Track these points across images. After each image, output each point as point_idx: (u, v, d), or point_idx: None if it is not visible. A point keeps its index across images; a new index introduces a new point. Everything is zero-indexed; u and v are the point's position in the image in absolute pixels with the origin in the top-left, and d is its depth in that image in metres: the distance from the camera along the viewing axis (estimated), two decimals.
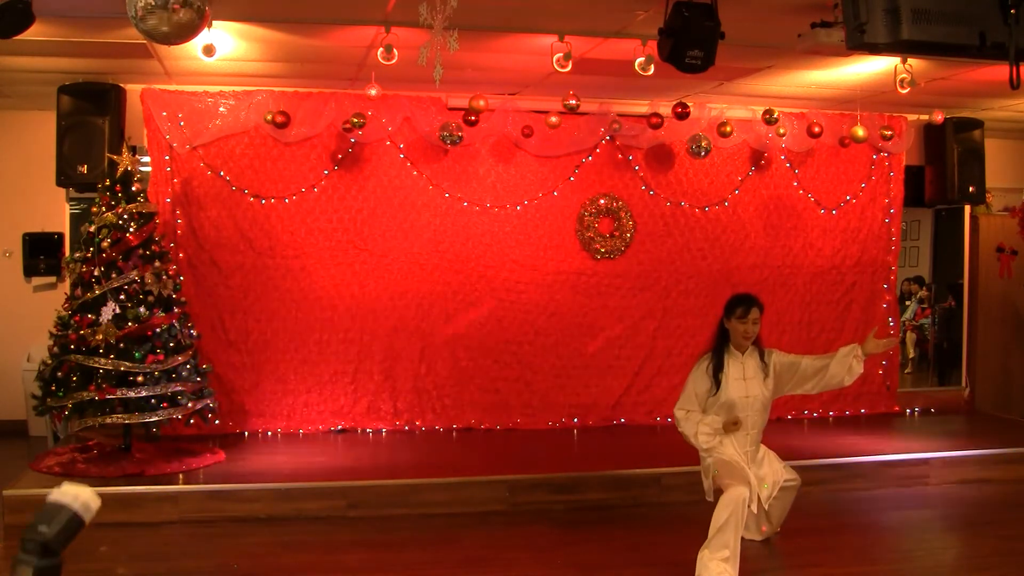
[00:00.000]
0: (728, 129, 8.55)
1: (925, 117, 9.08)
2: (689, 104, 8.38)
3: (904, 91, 6.88)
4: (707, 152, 8.56)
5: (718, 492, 5.07)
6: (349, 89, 7.91)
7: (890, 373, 9.31)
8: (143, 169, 7.75)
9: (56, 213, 8.57)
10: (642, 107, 8.52)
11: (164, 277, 7.00)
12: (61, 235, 8.57)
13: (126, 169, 7.03)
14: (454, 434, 8.32)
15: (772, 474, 5.39)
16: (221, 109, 7.91)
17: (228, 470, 6.74)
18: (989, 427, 8.86)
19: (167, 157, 7.89)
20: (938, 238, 10.16)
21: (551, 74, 6.80)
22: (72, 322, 6.70)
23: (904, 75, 6.73)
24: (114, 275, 6.79)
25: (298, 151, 8.12)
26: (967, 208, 9.79)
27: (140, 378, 6.62)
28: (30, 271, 8.58)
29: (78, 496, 2.22)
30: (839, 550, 5.64)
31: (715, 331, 5.42)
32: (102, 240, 6.81)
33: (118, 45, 6.40)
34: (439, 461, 7.22)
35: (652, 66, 6.18)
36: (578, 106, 7.73)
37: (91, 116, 7.51)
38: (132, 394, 6.56)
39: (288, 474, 6.62)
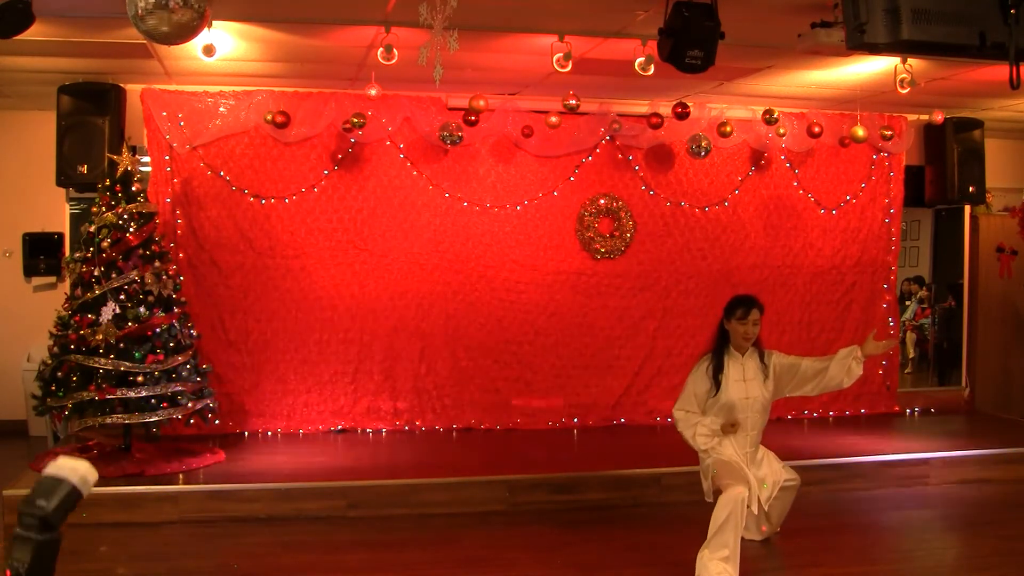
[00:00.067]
0: (728, 129, 8.55)
1: (925, 117, 9.08)
2: (689, 104, 8.38)
3: (904, 91, 6.88)
4: (707, 152, 8.56)
5: (717, 493, 5.06)
6: (349, 89, 7.91)
7: (890, 373, 9.31)
8: (143, 169, 7.75)
9: (56, 213, 8.57)
10: (642, 107, 8.52)
11: (164, 277, 7.00)
12: (61, 235, 8.57)
13: (126, 169, 7.03)
14: (454, 434, 8.33)
15: (772, 474, 5.39)
16: (221, 109, 7.91)
17: (228, 470, 6.74)
18: (989, 427, 8.85)
19: (167, 157, 7.89)
20: (938, 238, 10.16)
21: (551, 74, 6.80)
22: (72, 322, 6.70)
23: (904, 75, 6.73)
24: (114, 275, 6.79)
25: (298, 151, 8.12)
26: (967, 208, 9.79)
27: (140, 378, 6.61)
28: (30, 271, 8.58)
29: (76, 469, 2.16)
30: (839, 550, 5.64)
31: (715, 332, 5.42)
32: (102, 240, 6.81)
33: (118, 45, 6.40)
34: (439, 461, 7.22)
35: (652, 66, 6.18)
36: (578, 106, 7.73)
37: (91, 116, 7.51)
38: (132, 394, 6.56)
39: (288, 474, 6.62)
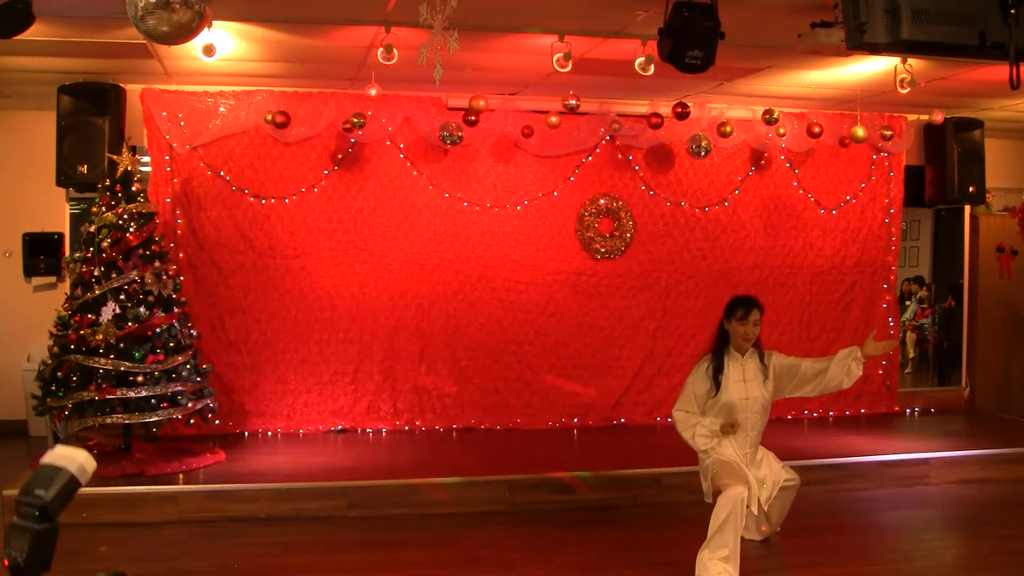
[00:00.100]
0: (728, 129, 8.55)
1: (925, 117, 9.08)
2: (689, 104, 8.38)
3: (904, 91, 6.88)
4: (707, 152, 8.56)
5: (717, 493, 5.06)
6: (349, 89, 7.91)
7: (890, 373, 9.31)
8: (143, 169, 7.76)
9: (56, 213, 8.57)
10: (642, 107, 8.52)
11: (164, 277, 7.00)
12: (61, 235, 8.57)
13: (126, 169, 7.03)
14: (454, 434, 8.33)
15: (771, 475, 5.38)
16: (221, 109, 7.91)
17: (228, 470, 6.74)
18: (989, 427, 8.86)
19: (167, 157, 7.89)
20: (938, 238, 10.16)
21: (551, 74, 6.80)
22: (72, 322, 6.70)
23: (904, 75, 6.73)
24: (114, 275, 6.79)
25: (298, 151, 8.12)
26: (967, 208, 9.79)
27: (140, 378, 6.62)
28: (30, 271, 8.57)
29: (74, 458, 2.13)
30: (839, 550, 5.64)
31: (715, 333, 5.42)
32: (102, 240, 6.81)
33: (118, 45, 6.40)
34: (439, 461, 7.21)
35: (652, 66, 6.18)
36: (578, 106, 7.73)
37: (91, 116, 7.51)
38: (132, 394, 6.56)
39: (288, 474, 6.62)
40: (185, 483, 6.36)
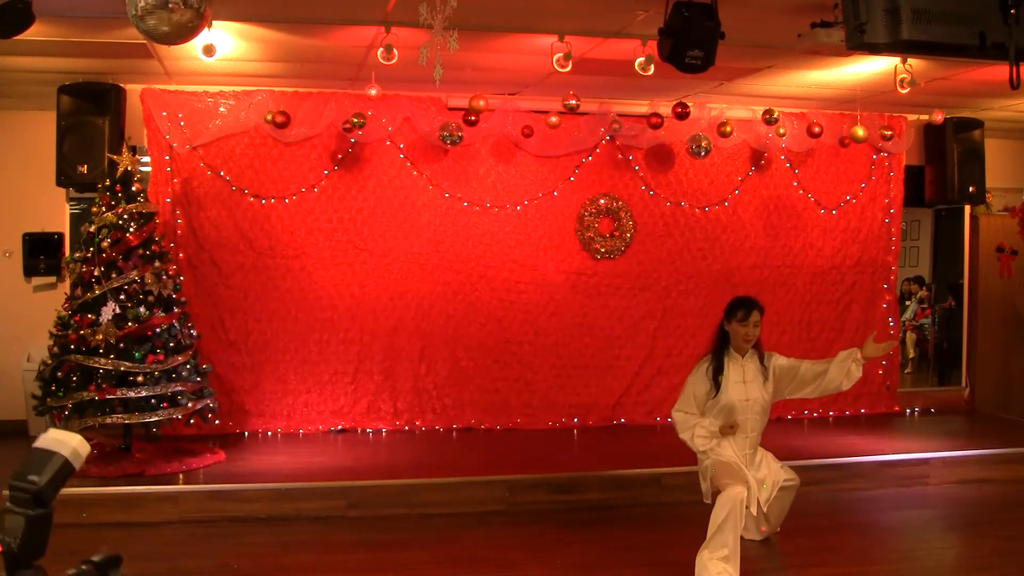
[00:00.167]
0: (728, 129, 8.55)
1: (925, 117, 9.08)
2: (689, 104, 8.38)
3: (904, 91, 6.87)
4: (707, 152, 8.56)
5: (716, 494, 5.06)
6: (349, 89, 7.91)
7: (890, 373, 9.31)
8: (143, 169, 7.76)
9: (56, 213, 8.55)
10: (642, 107, 8.52)
11: (164, 277, 7.00)
12: (61, 235, 8.56)
13: (126, 169, 7.03)
14: (454, 434, 8.33)
15: (771, 475, 5.38)
16: (221, 109, 7.91)
17: (228, 470, 6.74)
18: (989, 427, 8.86)
19: (167, 157, 7.89)
20: (938, 238, 10.16)
21: (551, 74, 6.80)
22: (72, 322, 6.70)
23: (904, 75, 6.73)
24: (114, 275, 6.80)
25: (298, 151, 8.12)
26: (967, 208, 9.79)
27: (140, 378, 6.62)
28: (30, 271, 8.56)
29: (67, 442, 2.10)
30: (839, 550, 5.64)
31: (715, 333, 5.41)
32: (102, 240, 6.81)
33: (118, 45, 6.40)
34: (439, 461, 7.22)
35: (652, 66, 6.18)
36: (578, 106, 7.72)
37: (91, 116, 7.51)
38: (132, 394, 6.57)
39: (288, 474, 6.62)
40: (185, 483, 6.36)
